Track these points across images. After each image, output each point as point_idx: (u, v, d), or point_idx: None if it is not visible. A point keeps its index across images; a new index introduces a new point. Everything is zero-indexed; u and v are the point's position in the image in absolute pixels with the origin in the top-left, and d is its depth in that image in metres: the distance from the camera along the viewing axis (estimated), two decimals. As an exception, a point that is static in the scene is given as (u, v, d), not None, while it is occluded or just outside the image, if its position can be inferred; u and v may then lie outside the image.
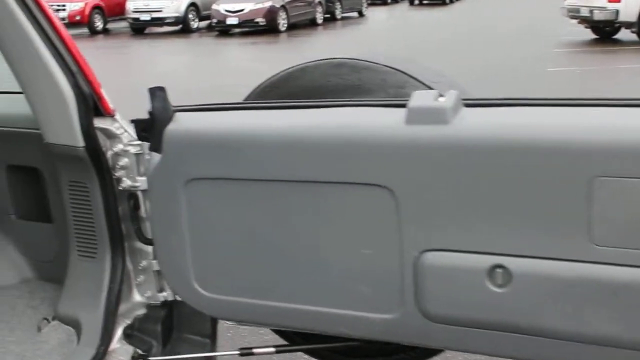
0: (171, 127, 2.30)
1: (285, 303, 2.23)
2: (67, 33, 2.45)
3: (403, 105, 2.02)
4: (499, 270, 1.95)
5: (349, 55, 2.57)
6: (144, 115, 2.33)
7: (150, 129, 2.34)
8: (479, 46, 17.12)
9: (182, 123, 2.31)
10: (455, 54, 15.04)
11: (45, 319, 2.65)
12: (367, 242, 2.10)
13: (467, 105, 2.00)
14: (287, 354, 3.01)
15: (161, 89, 2.33)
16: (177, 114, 2.34)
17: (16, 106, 2.74)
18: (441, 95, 2.01)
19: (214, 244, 2.31)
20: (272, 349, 2.61)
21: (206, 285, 2.35)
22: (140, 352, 2.53)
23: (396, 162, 2.01)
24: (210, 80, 13.42)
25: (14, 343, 2.56)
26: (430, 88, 2.31)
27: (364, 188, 2.05)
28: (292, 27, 23.51)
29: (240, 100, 2.62)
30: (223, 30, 23.47)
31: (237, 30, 23.42)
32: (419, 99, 2.03)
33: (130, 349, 2.53)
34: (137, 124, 2.40)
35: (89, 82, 2.46)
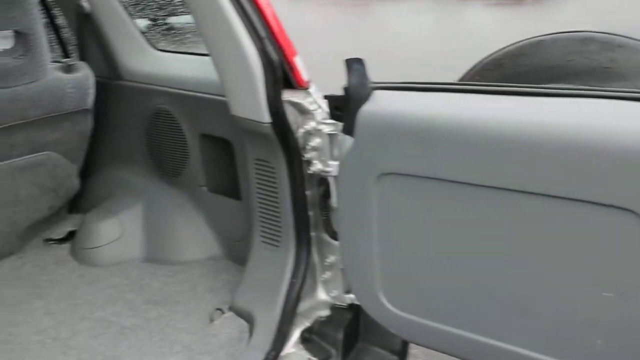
0: (367, 108, 1.91)
1: (489, 339, 1.78)
2: (259, -10, 2.13)
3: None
4: None
5: (599, 29, 2.01)
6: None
7: (344, 108, 1.98)
8: None
9: (379, 103, 1.91)
10: None
11: (219, 309, 2.41)
12: (609, 281, 1.58)
13: None
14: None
15: (359, 62, 1.94)
16: (376, 92, 1.94)
17: (205, 70, 2.50)
18: None
19: (407, 253, 1.90)
20: None
21: (393, 300, 1.96)
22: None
23: None
24: (446, 43, 12.86)
25: (185, 331, 2.35)
26: None
27: (606, 211, 1.53)
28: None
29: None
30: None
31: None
32: None
33: (305, 356, 2.22)
34: (331, 100, 2.04)
35: (280, 49, 2.13)
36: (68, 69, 2.92)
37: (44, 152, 2.92)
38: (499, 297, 1.74)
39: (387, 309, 1.98)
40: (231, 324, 2.34)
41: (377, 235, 1.93)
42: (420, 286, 1.90)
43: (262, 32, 2.11)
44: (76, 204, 3.21)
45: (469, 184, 1.70)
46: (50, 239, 3.07)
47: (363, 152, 1.92)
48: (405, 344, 2.30)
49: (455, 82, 2.10)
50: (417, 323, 1.92)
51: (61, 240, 3.06)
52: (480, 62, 2.17)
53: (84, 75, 2.93)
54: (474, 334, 1.80)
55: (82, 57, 3.15)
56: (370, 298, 2.02)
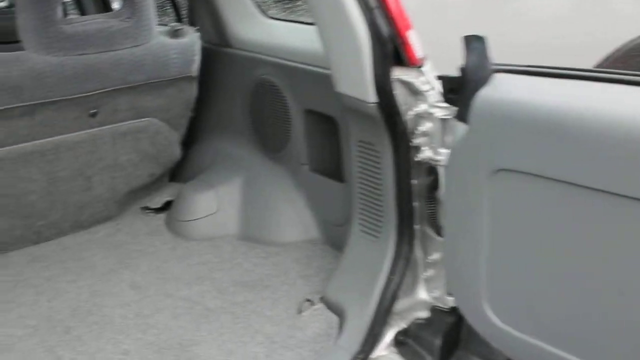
0: (485, 92, 1.68)
1: None
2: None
3: None
4: None
5: None
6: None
7: (459, 90, 1.75)
8: None
9: (500, 88, 1.67)
10: None
11: (309, 300, 2.24)
12: None
13: None
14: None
15: (479, 39, 1.71)
16: (497, 75, 1.70)
17: (312, 40, 2.31)
18: None
19: (520, 262, 1.66)
20: None
21: (499, 311, 1.73)
22: (407, 367, 2.01)
23: None
24: (581, 25, 12.14)
25: (270, 321, 2.19)
26: None
27: None
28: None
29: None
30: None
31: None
32: None
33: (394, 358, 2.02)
34: (446, 81, 1.82)
35: (392, 22, 1.91)
36: (174, 33, 2.81)
37: (146, 118, 2.84)
38: (625, 326, 1.48)
39: (490, 320, 1.76)
40: (320, 317, 2.17)
41: (487, 238, 1.70)
42: (532, 300, 1.66)
43: (373, 2, 1.89)
44: (177, 172, 3.12)
45: (603, 191, 1.44)
46: (147, 208, 3.00)
47: (477, 142, 1.69)
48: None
49: (592, 69, 1.83)
50: (524, 341, 1.68)
51: (158, 210, 2.98)
52: (623, 47, 1.88)
53: (190, 40, 2.81)
54: None
55: (192, 22, 3.04)
56: (472, 306, 1.80)
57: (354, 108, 2.06)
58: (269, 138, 2.79)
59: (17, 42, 2.55)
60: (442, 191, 2.00)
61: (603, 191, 1.43)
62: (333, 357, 1.99)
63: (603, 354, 1.54)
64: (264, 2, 2.92)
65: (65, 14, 2.62)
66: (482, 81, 1.69)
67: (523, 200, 1.61)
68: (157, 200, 3.00)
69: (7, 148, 2.58)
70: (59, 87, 2.56)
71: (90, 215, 2.87)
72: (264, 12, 2.94)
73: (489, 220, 1.69)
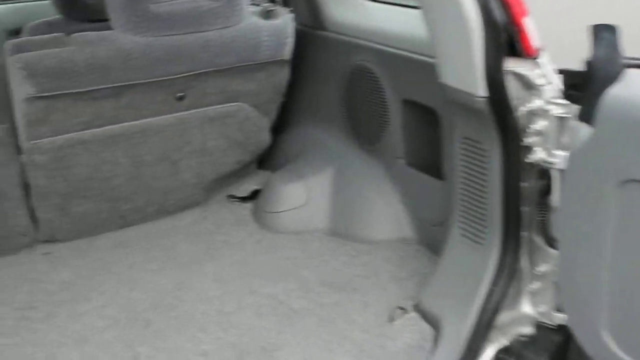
0: (615, 91, 1.48)
1: None
2: None
3: None
4: None
5: None
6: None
7: (584, 87, 1.55)
8: None
9: (633, 86, 1.47)
10: None
11: (402, 308, 2.07)
12: None
13: None
14: None
15: (610, 29, 1.50)
16: (630, 70, 1.50)
17: (415, 25, 2.13)
18: None
19: None
20: None
21: (621, 340, 1.54)
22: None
23: None
24: None
25: (359, 327, 2.04)
26: None
27: None
28: None
29: None
30: None
31: None
32: None
33: None
34: (568, 75, 1.63)
35: (507, 7, 1.71)
36: (267, 14, 2.69)
37: (235, 103, 2.73)
38: None
39: (607, 346, 1.56)
40: (413, 327, 2.00)
41: (611, 255, 1.51)
42: None
43: None
44: (265, 160, 3.00)
45: None
46: (234, 196, 2.89)
47: (604, 147, 1.50)
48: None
49: None
50: None
51: (244, 199, 2.87)
52: None
53: (283, 22, 2.67)
54: None
55: (286, 3, 2.90)
56: (588, 327, 1.61)
57: (460, 101, 1.87)
58: (364, 128, 2.63)
59: (105, 20, 2.48)
60: (556, 197, 1.80)
61: None
62: None
63: None
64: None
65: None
66: (611, 77, 1.49)
67: None
68: (244, 189, 2.89)
69: (93, 130, 2.51)
70: (145, 68, 2.47)
71: (176, 201, 2.78)
72: (365, -9, 2.77)
73: (614, 235, 1.49)
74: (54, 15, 2.76)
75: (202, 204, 2.85)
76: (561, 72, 1.65)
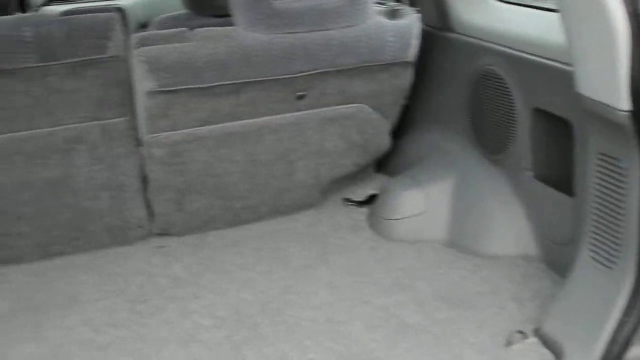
0: None
1: None
2: None
3: None
4: None
5: None
6: None
7: None
8: None
9: None
10: None
11: (521, 332, 1.93)
12: None
13: None
14: None
15: None
16: None
17: (550, 29, 1.99)
18: None
19: None
20: None
21: None
22: None
23: None
24: None
25: (474, 348, 1.92)
26: None
27: None
28: None
29: None
30: None
31: None
32: None
33: None
34: None
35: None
36: (392, 14, 2.61)
37: (355, 104, 2.68)
38: None
39: None
40: (532, 354, 1.86)
41: None
42: None
43: None
44: (384, 164, 2.93)
45: None
46: (350, 200, 2.83)
47: None
48: None
49: None
50: None
51: (360, 203, 2.80)
52: None
53: (409, 22, 2.59)
54: None
55: (413, 3, 2.80)
56: None
57: (598, 114, 1.72)
58: (489, 136, 2.50)
59: (227, 16, 2.47)
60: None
61: None
62: None
63: None
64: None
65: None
66: None
67: None
68: (361, 193, 2.83)
69: (210, 127, 2.52)
70: (265, 66, 2.46)
71: (290, 201, 2.75)
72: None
73: None
74: (181, 9, 2.78)
75: (317, 206, 2.81)
76: None
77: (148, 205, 2.61)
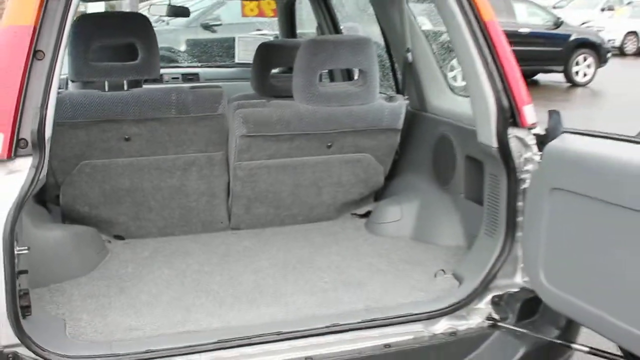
0: (553, 143, 2.84)
1: (615, 319, 2.54)
2: (506, 56, 3.13)
3: None
4: None
5: None
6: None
7: (542, 143, 2.93)
8: None
9: (564, 142, 2.82)
10: None
11: (442, 270, 3.42)
12: None
13: None
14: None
15: (556, 112, 2.88)
16: (565, 134, 2.85)
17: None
18: None
19: (563, 248, 2.77)
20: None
21: (551, 280, 2.83)
22: (494, 315, 3.11)
23: None
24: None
25: (417, 280, 3.39)
26: None
27: None
28: None
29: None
30: None
31: None
32: None
33: (488, 309, 3.12)
34: (537, 137, 3.00)
35: (512, 98, 3.10)
36: (389, 99, 4.15)
37: (362, 154, 4.16)
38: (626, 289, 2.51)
39: (544, 286, 2.86)
40: (448, 281, 3.33)
41: (546, 233, 2.82)
42: (571, 272, 2.74)
43: (499, 85, 3.10)
44: (378, 194, 4.44)
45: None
46: (355, 214, 4.34)
47: (542, 173, 2.85)
48: (569, 323, 3.09)
49: (628, 136, 2.91)
50: (564, 298, 2.75)
51: (361, 216, 4.31)
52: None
53: (399, 104, 4.12)
54: (608, 315, 2.58)
55: (403, 92, 4.39)
56: (535, 277, 2.92)
57: (486, 151, 3.24)
58: (442, 174, 3.98)
59: (282, 97, 4.05)
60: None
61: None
62: (451, 297, 3.11)
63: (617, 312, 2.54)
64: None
65: (321, 79, 3.95)
66: (553, 137, 2.86)
67: (568, 207, 2.73)
68: (362, 209, 4.34)
69: (274, 160, 4.00)
70: (311, 125, 3.92)
71: (318, 214, 4.22)
72: (452, 89, 4.23)
73: (548, 220, 2.81)
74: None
75: (334, 218, 4.30)
76: (534, 135, 3.02)
77: (229, 209, 4.13)
